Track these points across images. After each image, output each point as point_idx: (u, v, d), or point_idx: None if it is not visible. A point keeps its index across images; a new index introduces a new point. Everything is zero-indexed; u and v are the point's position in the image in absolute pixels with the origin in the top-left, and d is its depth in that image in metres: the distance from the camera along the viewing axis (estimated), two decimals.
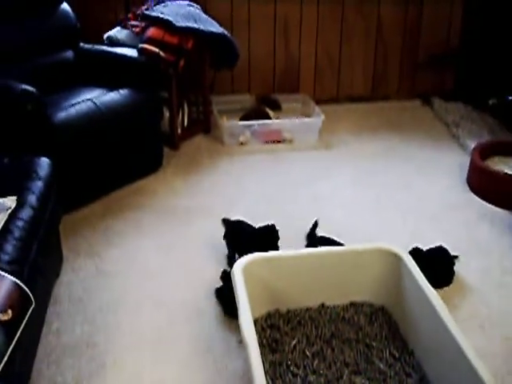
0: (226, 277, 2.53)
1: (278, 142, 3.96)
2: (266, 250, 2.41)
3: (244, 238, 2.78)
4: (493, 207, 3.31)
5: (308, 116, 4.14)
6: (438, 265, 2.69)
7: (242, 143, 3.90)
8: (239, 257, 2.35)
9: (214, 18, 3.82)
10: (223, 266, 2.68)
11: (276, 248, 2.72)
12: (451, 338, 1.95)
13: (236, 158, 3.72)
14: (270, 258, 2.32)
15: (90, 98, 3.16)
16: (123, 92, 3.28)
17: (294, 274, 2.35)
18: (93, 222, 3.05)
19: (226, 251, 2.80)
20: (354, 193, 3.44)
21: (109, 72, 3.47)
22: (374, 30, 4.51)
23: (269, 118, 4.05)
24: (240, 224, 2.90)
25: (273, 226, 2.78)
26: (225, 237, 2.81)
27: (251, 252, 2.33)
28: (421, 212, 3.25)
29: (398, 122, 4.39)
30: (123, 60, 3.49)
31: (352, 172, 3.67)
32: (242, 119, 4.02)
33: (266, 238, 2.76)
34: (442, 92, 4.72)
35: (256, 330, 2.18)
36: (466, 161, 3.65)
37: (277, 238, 2.76)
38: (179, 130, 3.84)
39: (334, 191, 3.45)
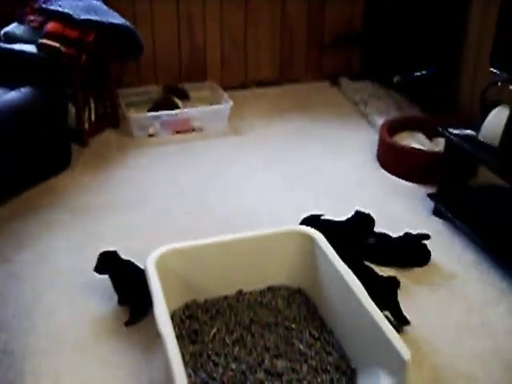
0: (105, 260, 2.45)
1: (188, 131, 3.93)
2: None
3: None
4: (403, 182, 3.38)
5: (217, 103, 4.12)
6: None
7: (151, 135, 3.84)
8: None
9: (115, 10, 3.74)
10: (137, 261, 2.60)
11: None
12: (367, 313, 1.97)
13: (146, 150, 3.67)
14: (183, 248, 2.29)
15: None
16: (25, 90, 3.17)
17: (209, 263, 2.33)
18: (1, 226, 2.94)
19: (138, 244, 2.76)
20: (266, 176, 3.45)
21: (8, 70, 3.34)
22: (279, 13, 4.51)
23: (177, 107, 4.01)
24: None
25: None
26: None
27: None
28: (333, 191, 3.29)
29: (307, 103, 4.42)
30: (22, 57, 3.36)
31: (263, 156, 3.67)
32: (149, 111, 3.96)
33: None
34: (349, 72, 4.77)
35: (175, 323, 2.18)
36: (375, 138, 3.71)
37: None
38: (87, 126, 3.75)
39: (246, 176, 3.45)
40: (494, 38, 3.05)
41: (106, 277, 2.46)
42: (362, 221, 2.82)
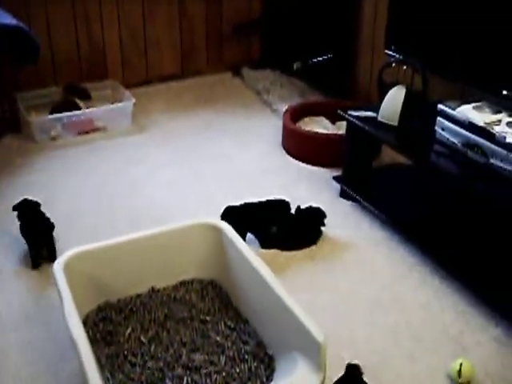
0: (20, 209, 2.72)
1: (92, 131, 3.86)
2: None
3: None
4: (309, 167, 3.43)
5: (119, 102, 4.06)
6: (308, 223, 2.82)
7: (54, 138, 3.76)
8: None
9: (8, 12, 3.63)
10: (43, 267, 2.59)
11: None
12: (278, 299, 2.00)
13: (50, 153, 3.59)
14: (91, 250, 2.25)
15: None
16: None
17: (118, 262, 2.31)
18: None
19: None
20: (174, 172, 3.43)
21: None
22: (176, 5, 4.48)
23: (79, 108, 3.93)
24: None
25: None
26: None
27: None
28: (240, 181, 3.31)
29: (211, 96, 4.42)
30: None
31: (168, 152, 3.65)
32: (50, 113, 3.87)
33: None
34: (251, 61, 4.80)
35: (88, 326, 2.15)
36: (279, 125, 3.75)
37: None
38: None
39: (152, 173, 3.42)
40: (387, 21, 3.13)
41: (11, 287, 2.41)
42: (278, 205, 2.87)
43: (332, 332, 2.25)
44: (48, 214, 2.81)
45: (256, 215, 2.80)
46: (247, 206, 2.83)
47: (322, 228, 2.84)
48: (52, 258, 2.62)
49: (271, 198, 2.89)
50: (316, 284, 2.56)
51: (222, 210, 2.79)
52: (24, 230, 2.70)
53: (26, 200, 2.76)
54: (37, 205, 2.76)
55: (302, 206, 2.86)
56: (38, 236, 2.69)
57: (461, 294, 2.49)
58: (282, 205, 2.86)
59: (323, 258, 2.71)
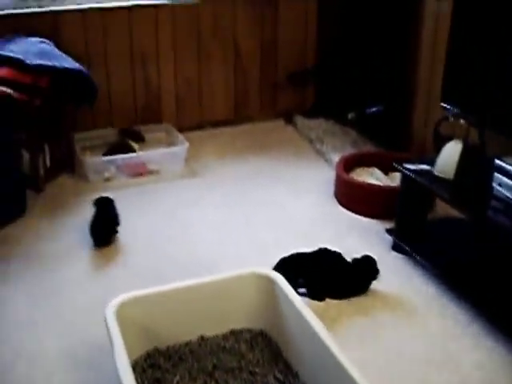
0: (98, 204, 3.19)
1: (145, 174, 3.90)
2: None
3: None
4: (361, 218, 3.40)
5: (172, 145, 4.11)
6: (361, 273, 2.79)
7: (107, 179, 3.81)
8: None
9: (68, 54, 3.73)
10: (95, 310, 2.54)
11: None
12: (330, 354, 1.96)
13: (103, 194, 3.62)
14: (142, 296, 2.25)
15: None
16: None
17: (169, 309, 2.30)
18: None
19: (95, 293, 2.75)
20: (224, 217, 3.44)
21: None
22: (232, 53, 4.55)
23: (133, 151, 3.99)
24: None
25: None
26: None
27: None
28: (291, 230, 3.29)
29: (263, 142, 4.44)
30: None
31: (221, 197, 3.66)
32: (105, 154, 3.93)
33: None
34: (304, 109, 4.82)
35: (136, 372, 2.13)
36: (332, 175, 3.73)
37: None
38: (42, 172, 3.70)
39: (203, 218, 3.43)
40: (444, 74, 3.12)
41: (63, 329, 2.42)
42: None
43: None
44: (96, 257, 2.87)
45: (309, 265, 2.77)
46: (300, 256, 2.81)
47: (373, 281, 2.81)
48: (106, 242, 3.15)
49: (323, 248, 2.87)
50: (366, 339, 2.50)
51: (275, 261, 2.77)
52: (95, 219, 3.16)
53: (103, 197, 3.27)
54: (111, 200, 3.25)
55: (357, 256, 2.83)
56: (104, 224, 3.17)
57: None
58: (335, 255, 2.83)
59: (374, 312, 2.66)
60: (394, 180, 3.52)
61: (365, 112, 4.19)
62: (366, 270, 2.80)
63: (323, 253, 2.83)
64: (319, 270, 2.76)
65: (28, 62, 3.47)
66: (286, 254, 2.80)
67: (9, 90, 3.36)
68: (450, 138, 2.93)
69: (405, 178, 3.01)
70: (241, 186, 3.79)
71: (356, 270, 2.78)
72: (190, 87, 4.52)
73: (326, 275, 2.76)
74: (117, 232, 3.21)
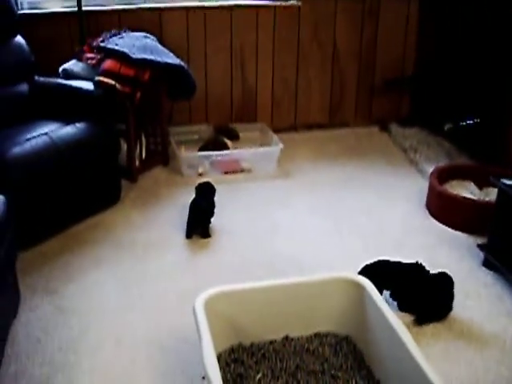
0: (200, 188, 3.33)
1: (237, 172, 3.95)
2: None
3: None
4: (452, 231, 3.34)
5: (266, 145, 4.14)
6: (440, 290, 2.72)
7: (200, 174, 3.88)
8: None
9: (170, 49, 3.82)
10: (182, 301, 2.62)
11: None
12: (417, 366, 1.93)
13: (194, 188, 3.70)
14: (231, 291, 2.29)
15: (46, 132, 3.11)
16: (80, 125, 3.25)
17: (256, 306, 2.32)
18: (50, 259, 2.98)
19: (184, 284, 2.80)
20: (314, 220, 3.44)
21: (65, 105, 3.42)
22: (330, 56, 4.55)
23: (227, 148, 4.04)
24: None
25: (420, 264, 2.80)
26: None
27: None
28: (381, 238, 3.26)
29: (356, 148, 4.42)
30: (79, 93, 3.45)
31: (311, 200, 3.67)
32: (200, 150, 4.00)
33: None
34: (399, 117, 4.77)
35: (220, 365, 2.15)
36: (424, 186, 3.68)
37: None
38: (137, 163, 3.80)
39: (293, 219, 3.45)
40: None
41: (151, 317, 2.48)
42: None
43: None
44: (186, 249, 2.92)
45: (394, 275, 2.74)
46: (385, 265, 2.78)
47: (458, 293, 2.74)
48: (204, 235, 3.22)
49: (410, 259, 2.83)
50: (451, 356, 2.45)
51: (360, 267, 2.75)
52: (192, 206, 3.26)
53: (206, 183, 3.38)
54: (213, 189, 3.36)
55: (434, 271, 2.77)
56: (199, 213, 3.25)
57: None
58: (420, 268, 2.79)
59: (460, 329, 2.60)
60: (489, 195, 3.44)
61: (461, 124, 4.10)
62: (444, 286, 2.74)
63: (410, 266, 2.79)
64: (405, 281, 2.72)
65: (132, 55, 3.56)
66: (371, 261, 2.77)
67: (113, 82, 3.46)
68: None
69: (501, 193, 2.94)
70: (332, 191, 3.79)
71: (437, 286, 2.73)
72: (287, 88, 4.54)
73: (412, 289, 2.71)
74: (210, 223, 3.28)
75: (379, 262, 2.76)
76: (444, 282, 2.73)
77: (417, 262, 2.78)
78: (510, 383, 2.33)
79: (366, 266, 2.74)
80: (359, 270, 2.71)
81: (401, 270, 2.76)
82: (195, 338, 2.08)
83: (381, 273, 2.70)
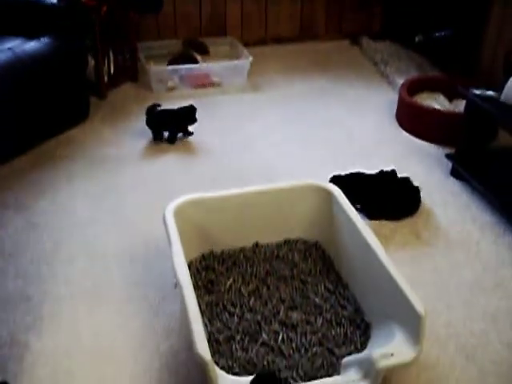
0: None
1: (207, 86, 3.91)
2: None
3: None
4: (421, 142, 3.37)
5: (236, 59, 4.09)
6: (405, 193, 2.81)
7: (170, 89, 3.84)
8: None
9: None
10: (154, 212, 2.58)
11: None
12: (383, 269, 1.98)
13: (165, 103, 3.64)
14: (201, 199, 2.30)
15: (10, 48, 3.04)
16: (44, 40, 3.17)
17: (226, 214, 2.34)
18: (21, 175, 2.97)
19: (155, 196, 2.82)
20: (285, 132, 3.45)
21: (28, 20, 3.32)
22: None
23: (197, 62, 3.99)
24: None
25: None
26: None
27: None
28: (351, 149, 3.29)
29: (327, 62, 4.38)
30: (42, 6, 3.33)
31: (282, 112, 3.66)
32: (169, 64, 3.95)
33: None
34: (370, 31, 4.72)
35: (191, 273, 2.19)
36: (394, 98, 3.69)
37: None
38: (106, 79, 3.74)
39: (264, 132, 3.45)
40: None
41: (123, 228, 2.50)
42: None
43: (429, 308, 2.20)
44: (157, 162, 2.98)
45: (362, 185, 2.78)
46: (353, 176, 2.81)
47: (426, 202, 2.82)
48: (171, 141, 3.31)
49: (380, 169, 2.87)
50: (417, 259, 2.52)
51: (328, 178, 2.77)
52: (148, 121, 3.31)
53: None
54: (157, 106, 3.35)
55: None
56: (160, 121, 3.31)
57: None
58: (387, 175, 2.83)
59: (427, 235, 2.67)
60: (458, 106, 3.46)
61: (433, 35, 4.08)
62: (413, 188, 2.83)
63: (378, 175, 2.83)
64: (373, 190, 2.76)
65: None
66: (339, 173, 2.80)
67: None
68: None
69: (469, 103, 2.96)
70: (302, 103, 3.78)
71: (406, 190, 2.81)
72: (257, 2, 4.45)
73: (380, 196, 2.76)
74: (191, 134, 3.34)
75: (349, 174, 2.80)
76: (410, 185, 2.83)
77: (381, 171, 2.82)
78: (472, 285, 2.41)
79: (336, 176, 2.77)
80: (329, 179, 2.74)
81: (370, 179, 2.80)
82: (167, 248, 2.11)
83: (350, 185, 2.73)
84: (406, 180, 2.85)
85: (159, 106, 3.34)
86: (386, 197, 2.77)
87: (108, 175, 3.00)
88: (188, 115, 3.30)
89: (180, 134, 3.33)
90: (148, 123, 3.30)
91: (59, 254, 2.48)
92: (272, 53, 4.47)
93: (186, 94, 3.80)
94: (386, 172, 2.87)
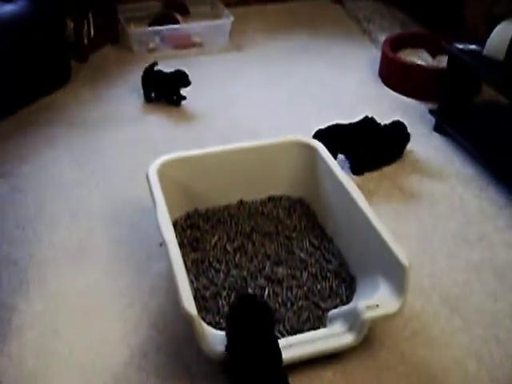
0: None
1: (189, 46, 3.87)
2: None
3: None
4: (404, 98, 3.38)
5: (217, 19, 4.05)
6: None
7: (151, 50, 3.79)
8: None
9: None
10: (137, 173, 2.55)
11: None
12: (367, 222, 2.00)
13: (146, 65, 3.62)
14: (185, 157, 2.30)
15: None
16: (21, 3, 3.10)
17: (210, 172, 2.35)
18: (3, 141, 2.93)
19: (138, 157, 2.80)
20: (268, 91, 3.43)
21: None
22: None
23: (177, 22, 3.95)
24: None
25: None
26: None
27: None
28: (335, 106, 3.28)
29: (310, 20, 4.34)
30: None
31: (264, 71, 3.65)
32: (150, 25, 3.90)
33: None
34: None
35: (176, 231, 2.19)
36: (377, 55, 3.68)
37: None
38: (86, 41, 3.69)
39: (247, 91, 3.43)
40: None
41: (106, 189, 2.50)
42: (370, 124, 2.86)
43: (414, 260, 2.21)
44: (140, 124, 3.00)
45: (346, 136, 2.78)
46: (337, 128, 2.80)
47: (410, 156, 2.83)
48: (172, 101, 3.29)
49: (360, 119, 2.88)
50: (402, 213, 2.54)
51: (312, 132, 2.77)
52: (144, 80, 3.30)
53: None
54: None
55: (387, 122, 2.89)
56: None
57: None
58: (371, 121, 2.85)
59: (411, 188, 2.68)
60: (441, 62, 3.45)
61: None
62: (399, 135, 2.85)
63: (359, 124, 2.84)
64: (356, 142, 2.77)
65: None
66: (323, 126, 2.79)
67: None
68: (504, 18, 2.83)
69: (452, 57, 2.95)
70: (285, 62, 3.76)
71: (390, 136, 2.83)
72: None
73: (364, 147, 2.77)
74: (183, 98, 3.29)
75: (331, 126, 2.79)
76: (397, 129, 2.86)
77: (366, 117, 2.83)
78: (455, 238, 2.44)
79: (319, 130, 2.77)
80: (313, 134, 2.74)
81: (353, 128, 2.81)
82: (151, 208, 2.10)
83: (334, 136, 2.73)
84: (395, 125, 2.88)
85: (156, 64, 3.32)
86: (370, 144, 2.79)
87: (91, 138, 2.98)
88: (182, 78, 3.24)
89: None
90: (143, 82, 3.28)
91: (44, 218, 2.47)
92: (253, 13, 4.41)
93: (168, 54, 3.76)
94: (367, 119, 2.87)
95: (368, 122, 2.82)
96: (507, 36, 2.75)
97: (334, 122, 2.80)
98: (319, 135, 2.69)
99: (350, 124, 2.82)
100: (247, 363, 1.64)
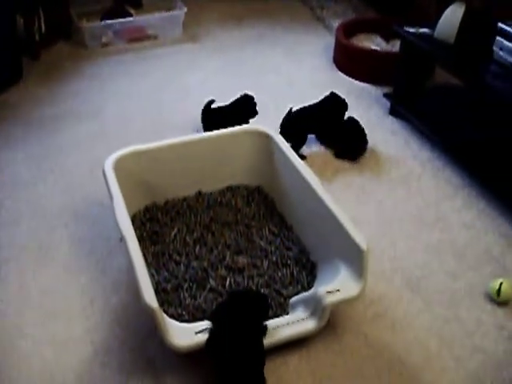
0: None
1: (143, 39, 3.85)
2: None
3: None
4: (359, 83, 3.40)
5: (170, 10, 4.02)
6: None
7: (105, 44, 3.75)
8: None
9: None
10: (95, 169, 2.59)
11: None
12: (324, 207, 2.00)
13: (100, 60, 3.60)
14: (140, 151, 2.27)
15: None
16: None
17: (166, 164, 2.33)
18: None
19: (95, 153, 2.77)
20: (224, 81, 3.42)
21: None
22: None
23: (130, 15, 3.91)
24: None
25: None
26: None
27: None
28: (290, 93, 3.30)
29: (263, 9, 4.35)
30: None
31: (220, 61, 3.64)
32: (101, 19, 3.86)
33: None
34: None
35: (135, 225, 2.19)
36: (331, 42, 3.70)
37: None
38: (37, 38, 3.64)
39: (204, 82, 3.42)
40: None
41: (64, 187, 2.47)
42: (336, 103, 2.88)
43: (374, 245, 2.26)
44: (96, 120, 2.91)
45: (313, 117, 2.83)
46: (302, 111, 2.84)
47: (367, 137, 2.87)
48: None
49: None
50: (361, 197, 2.56)
51: (274, 123, 2.77)
52: None
53: None
54: None
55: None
56: None
57: (505, 217, 2.49)
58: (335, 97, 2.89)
59: (370, 173, 2.71)
60: (395, 47, 3.48)
61: None
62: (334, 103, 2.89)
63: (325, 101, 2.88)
64: (323, 120, 2.84)
65: None
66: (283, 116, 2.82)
67: None
68: (453, 1, 2.86)
69: (404, 41, 2.98)
70: (240, 51, 3.76)
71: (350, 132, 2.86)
72: None
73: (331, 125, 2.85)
74: None
75: (296, 111, 2.82)
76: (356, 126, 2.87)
77: (331, 93, 2.85)
78: (416, 218, 2.47)
79: (284, 120, 2.78)
80: (279, 126, 2.77)
81: (318, 108, 2.85)
82: (110, 204, 2.09)
83: (301, 119, 2.78)
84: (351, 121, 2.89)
85: (214, 101, 2.95)
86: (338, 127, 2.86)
87: (47, 135, 2.94)
88: (247, 107, 2.90)
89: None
90: (204, 125, 2.90)
91: (3, 217, 2.43)
92: (207, 3, 4.39)
93: (122, 48, 3.73)
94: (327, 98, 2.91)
95: (330, 98, 2.86)
96: (456, 20, 2.78)
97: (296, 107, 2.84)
98: (285, 126, 2.76)
99: (314, 104, 2.86)
100: (226, 358, 1.67)
